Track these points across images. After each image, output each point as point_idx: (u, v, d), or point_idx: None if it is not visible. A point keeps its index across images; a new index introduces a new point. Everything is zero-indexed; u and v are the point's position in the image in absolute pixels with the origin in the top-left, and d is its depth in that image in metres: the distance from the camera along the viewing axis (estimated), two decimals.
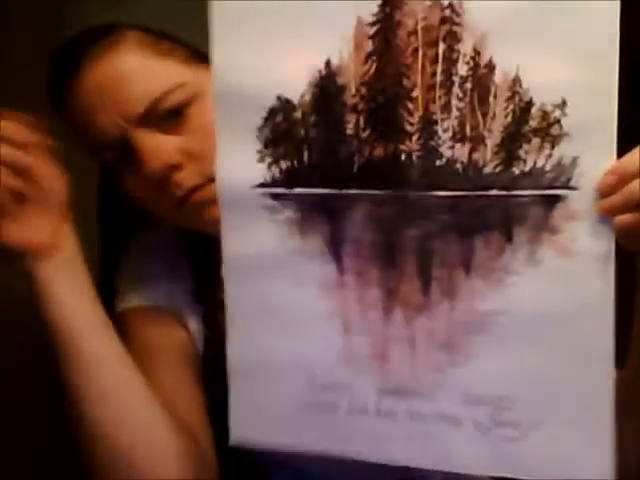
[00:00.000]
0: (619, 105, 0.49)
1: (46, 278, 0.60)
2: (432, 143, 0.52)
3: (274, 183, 0.56)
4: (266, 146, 0.56)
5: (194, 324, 0.72)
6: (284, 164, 0.55)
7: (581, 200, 0.50)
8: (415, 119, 0.52)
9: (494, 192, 0.52)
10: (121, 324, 0.66)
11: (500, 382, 0.53)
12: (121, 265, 0.76)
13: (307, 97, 0.54)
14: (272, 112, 0.55)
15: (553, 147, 0.51)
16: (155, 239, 0.75)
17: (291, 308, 0.57)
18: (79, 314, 0.61)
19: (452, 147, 0.52)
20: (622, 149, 0.50)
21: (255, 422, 0.59)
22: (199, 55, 0.63)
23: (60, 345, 0.61)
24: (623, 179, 0.49)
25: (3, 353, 0.91)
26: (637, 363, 0.57)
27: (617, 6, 0.48)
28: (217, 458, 0.67)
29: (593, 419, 0.51)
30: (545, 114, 0.50)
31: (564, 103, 0.50)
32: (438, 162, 0.52)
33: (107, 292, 0.70)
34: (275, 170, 0.56)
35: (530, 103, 0.50)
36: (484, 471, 0.54)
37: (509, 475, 0.54)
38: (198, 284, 0.61)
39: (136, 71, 0.63)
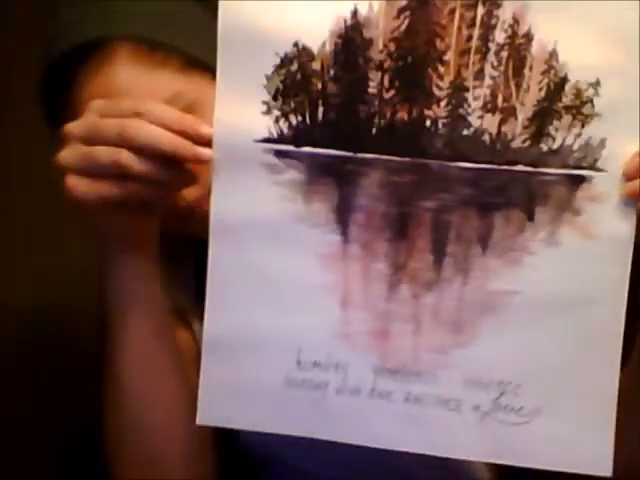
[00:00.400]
0: None
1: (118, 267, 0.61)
2: (461, 111, 0.50)
3: (280, 139, 0.52)
4: (275, 97, 0.52)
5: (197, 324, 0.70)
6: (294, 119, 0.51)
7: (606, 182, 0.51)
8: (445, 84, 0.50)
9: (520, 167, 0.51)
10: None
11: (505, 366, 0.53)
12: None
13: (328, 47, 0.51)
14: (286, 59, 0.51)
15: (583, 126, 0.51)
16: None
17: (284, 278, 0.54)
18: (142, 313, 0.62)
19: (481, 117, 0.50)
20: None
21: (230, 400, 0.56)
22: (195, 62, 0.65)
23: (116, 346, 0.62)
24: None
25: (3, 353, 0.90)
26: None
27: None
28: (217, 456, 0.67)
29: (596, 408, 0.53)
30: (579, 92, 0.50)
31: (598, 83, 0.50)
32: (465, 131, 0.50)
33: None
34: (283, 125, 0.52)
35: (565, 79, 0.50)
36: (481, 457, 0.53)
37: (507, 462, 0.53)
38: (201, 283, 0.55)
39: (132, 84, 0.63)
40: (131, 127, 0.53)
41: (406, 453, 0.56)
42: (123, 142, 0.53)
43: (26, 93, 0.70)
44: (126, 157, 0.53)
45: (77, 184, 0.54)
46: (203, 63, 0.65)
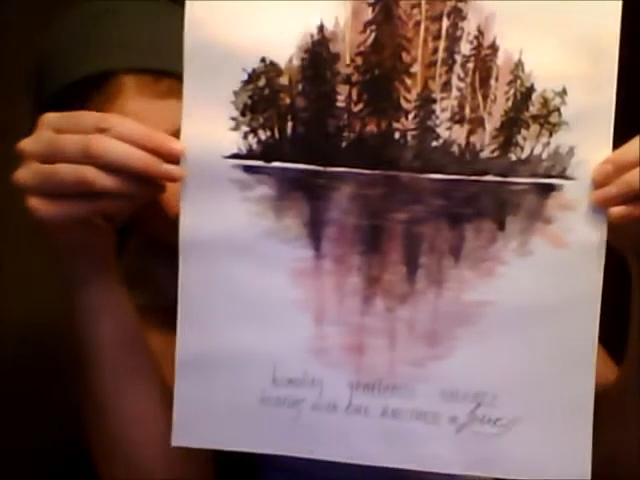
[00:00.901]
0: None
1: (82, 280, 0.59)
2: (429, 122, 0.50)
3: (249, 155, 0.52)
4: (243, 113, 0.51)
5: None
6: (263, 135, 0.51)
7: (576, 190, 0.51)
8: (412, 96, 0.50)
9: (489, 178, 0.50)
10: None
11: (482, 377, 0.53)
12: (121, 263, 0.72)
13: (295, 62, 0.51)
14: (253, 75, 0.51)
15: (551, 135, 0.51)
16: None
17: (257, 294, 0.54)
18: (109, 321, 0.61)
19: (450, 128, 0.51)
20: (618, 140, 0.50)
21: (205, 420, 0.55)
22: None
23: (85, 357, 0.61)
24: (619, 169, 0.52)
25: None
26: (635, 359, 0.60)
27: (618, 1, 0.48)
28: (211, 459, 0.66)
29: (573, 415, 0.53)
30: (545, 101, 0.50)
31: (564, 91, 0.51)
32: (434, 143, 0.50)
33: None
34: (252, 140, 0.52)
35: (531, 89, 0.51)
36: (460, 470, 0.53)
37: (486, 474, 0.53)
38: None
39: (142, 116, 0.60)
40: (97, 144, 0.51)
41: None
42: (88, 159, 0.51)
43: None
44: (92, 174, 0.51)
45: (39, 205, 0.52)
46: None
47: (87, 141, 0.52)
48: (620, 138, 0.52)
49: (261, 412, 0.55)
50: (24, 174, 0.53)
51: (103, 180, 0.52)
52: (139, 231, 0.73)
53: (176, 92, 0.61)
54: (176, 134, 0.60)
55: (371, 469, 0.55)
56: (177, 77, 0.61)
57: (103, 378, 0.61)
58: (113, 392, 0.61)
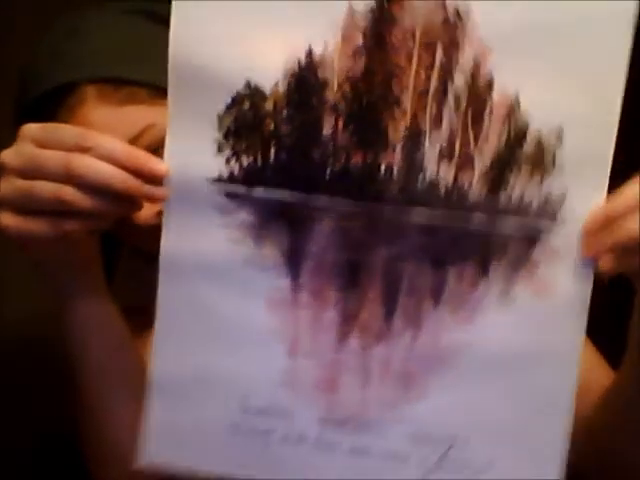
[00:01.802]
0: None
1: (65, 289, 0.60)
2: (416, 157, 0.48)
3: (231, 180, 0.51)
4: (226, 137, 0.50)
5: None
6: (245, 160, 0.50)
7: (564, 237, 0.50)
8: (401, 128, 0.48)
9: (476, 218, 0.48)
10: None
11: (454, 421, 0.52)
12: (116, 265, 0.75)
13: (281, 87, 0.49)
14: (238, 99, 0.50)
15: (543, 178, 0.49)
16: None
17: (232, 322, 0.53)
18: (97, 329, 0.61)
19: (437, 164, 0.48)
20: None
21: (174, 442, 0.55)
22: (165, 91, 0.62)
23: (76, 362, 0.62)
24: (609, 220, 0.49)
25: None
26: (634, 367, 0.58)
27: (629, 40, 0.45)
28: None
29: (546, 465, 0.50)
30: (540, 142, 0.48)
31: (561, 132, 0.48)
32: (420, 179, 0.48)
33: None
34: (234, 165, 0.50)
35: (526, 128, 0.48)
36: None
37: None
38: None
39: (103, 123, 0.62)
40: (79, 164, 0.51)
41: None
42: (69, 179, 0.51)
43: None
44: (70, 193, 0.51)
45: (13, 222, 0.52)
46: None
47: (69, 160, 0.51)
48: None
49: (230, 438, 0.54)
50: (3, 188, 0.52)
51: (82, 200, 0.51)
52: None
53: (137, 98, 0.64)
54: (137, 138, 0.62)
55: None
56: (137, 84, 0.64)
57: (93, 385, 0.62)
58: (103, 398, 0.62)
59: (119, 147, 0.52)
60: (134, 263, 0.76)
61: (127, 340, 0.63)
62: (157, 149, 0.62)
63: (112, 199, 0.52)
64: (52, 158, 0.51)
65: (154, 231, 0.55)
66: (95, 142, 0.51)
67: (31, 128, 0.53)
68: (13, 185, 0.52)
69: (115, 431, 0.62)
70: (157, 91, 0.64)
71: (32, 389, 0.91)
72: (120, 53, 0.65)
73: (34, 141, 0.52)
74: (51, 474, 0.93)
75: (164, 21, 0.67)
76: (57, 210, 0.52)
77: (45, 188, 0.51)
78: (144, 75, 0.64)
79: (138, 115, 0.63)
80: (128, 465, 0.60)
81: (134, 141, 0.62)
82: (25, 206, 0.52)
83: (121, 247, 0.77)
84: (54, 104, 0.64)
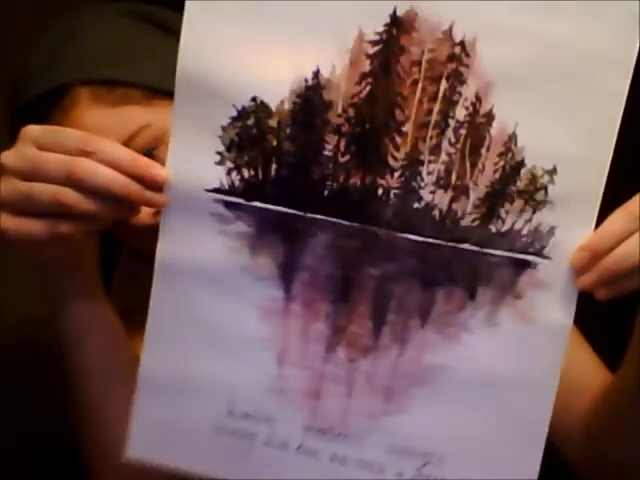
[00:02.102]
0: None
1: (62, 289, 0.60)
2: (414, 183, 0.50)
3: (231, 191, 0.52)
4: (229, 149, 0.51)
5: None
6: (246, 173, 0.51)
7: (550, 270, 0.51)
8: (400, 155, 0.50)
9: (466, 246, 0.50)
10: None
11: (432, 438, 0.54)
12: (115, 266, 0.76)
13: (287, 105, 0.50)
14: (243, 113, 0.51)
15: (534, 212, 0.51)
16: None
17: (224, 327, 0.54)
18: (91, 328, 0.62)
19: (433, 192, 0.50)
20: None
21: (159, 438, 0.56)
22: (159, 91, 0.64)
23: (69, 362, 0.63)
24: (596, 256, 0.51)
25: None
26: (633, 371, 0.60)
27: (627, 86, 0.47)
28: None
29: None
30: (534, 177, 0.50)
31: (555, 170, 0.50)
32: (416, 204, 0.50)
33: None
34: (235, 177, 0.51)
35: (521, 163, 0.50)
36: None
37: None
38: None
39: (97, 124, 0.63)
40: (81, 168, 0.51)
41: None
42: (70, 183, 0.51)
43: None
44: (71, 197, 0.51)
45: (12, 224, 0.52)
46: (168, 91, 0.64)
47: (71, 164, 0.51)
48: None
49: (214, 440, 0.56)
50: (3, 189, 0.53)
51: (82, 204, 0.52)
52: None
53: (131, 99, 0.64)
54: (131, 139, 0.62)
55: None
56: (130, 85, 0.64)
57: (87, 384, 0.63)
58: (97, 397, 0.63)
59: (121, 152, 0.52)
60: (132, 264, 0.76)
61: (122, 340, 0.64)
62: (151, 150, 0.63)
63: (112, 203, 0.52)
64: (54, 161, 0.52)
65: (151, 231, 0.56)
66: (97, 147, 0.52)
67: (32, 130, 0.53)
68: (13, 187, 0.52)
69: (110, 430, 0.63)
70: (151, 92, 0.65)
71: (32, 389, 0.91)
72: (114, 54, 0.65)
73: (35, 143, 0.52)
74: (51, 474, 0.93)
75: (157, 23, 0.68)
76: (56, 212, 0.52)
77: (45, 190, 0.52)
78: (138, 76, 0.64)
79: (132, 116, 0.64)
80: (122, 464, 0.61)
81: (129, 142, 0.62)
82: (24, 208, 0.52)
83: (119, 248, 0.78)
84: (48, 106, 0.64)
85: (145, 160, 0.53)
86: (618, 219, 0.51)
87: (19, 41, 0.76)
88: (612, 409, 0.63)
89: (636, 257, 0.50)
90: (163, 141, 0.61)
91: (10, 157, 0.53)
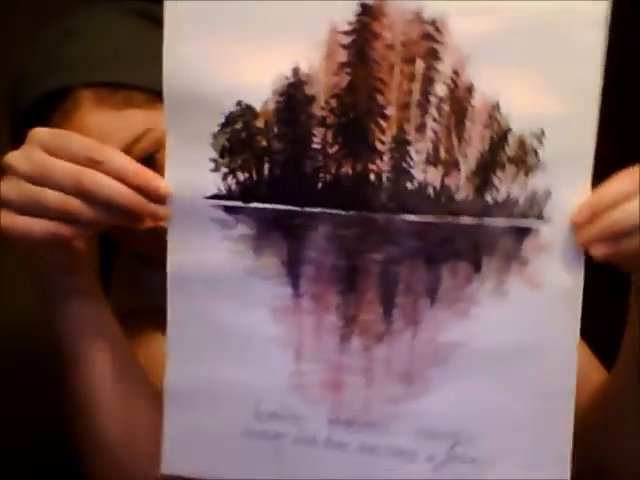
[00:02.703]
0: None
1: (61, 290, 0.61)
2: (404, 165, 0.51)
3: (229, 195, 0.53)
4: (222, 155, 0.53)
5: None
6: (241, 176, 0.53)
7: (552, 232, 0.51)
8: (387, 138, 0.51)
9: (465, 220, 0.51)
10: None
11: (458, 417, 0.53)
12: (115, 268, 0.77)
13: (271, 105, 0.51)
14: (230, 118, 0.52)
15: (527, 177, 0.51)
16: None
17: (239, 331, 0.55)
18: (89, 329, 0.62)
19: (424, 170, 0.51)
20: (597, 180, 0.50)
21: (191, 450, 0.57)
22: (161, 95, 0.63)
23: (67, 361, 0.62)
24: (597, 212, 0.51)
25: None
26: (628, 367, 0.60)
27: (602, 40, 0.48)
28: None
29: (552, 457, 0.53)
30: (522, 143, 0.50)
31: (542, 133, 0.50)
32: (409, 185, 0.51)
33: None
34: (231, 181, 0.53)
35: (508, 130, 0.51)
36: None
37: None
38: None
39: (100, 128, 0.63)
40: (89, 179, 0.52)
41: None
42: (79, 192, 0.52)
43: None
44: (77, 206, 0.53)
45: (14, 223, 0.53)
46: None
47: (80, 175, 0.53)
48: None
49: (244, 445, 0.57)
50: (8, 189, 0.54)
51: (88, 213, 0.53)
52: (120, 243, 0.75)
53: (134, 102, 0.64)
54: (134, 143, 0.63)
55: None
56: (135, 88, 0.64)
57: (84, 384, 0.62)
58: (94, 397, 0.62)
59: (128, 164, 0.54)
60: (130, 266, 0.77)
61: (120, 340, 0.64)
62: (154, 153, 0.63)
63: (115, 213, 0.54)
64: (62, 170, 0.53)
65: (151, 234, 0.58)
66: (105, 157, 0.53)
67: (41, 133, 0.54)
68: (19, 188, 0.53)
69: (106, 429, 0.63)
70: (154, 95, 0.63)
71: (32, 389, 0.92)
72: (116, 56, 0.65)
73: (43, 147, 0.54)
74: (51, 474, 0.94)
75: (160, 21, 0.67)
76: (60, 217, 0.53)
77: (52, 197, 0.53)
78: (141, 79, 0.64)
79: (135, 119, 0.64)
80: (119, 463, 0.63)
81: (132, 146, 0.63)
82: (28, 209, 0.53)
83: (118, 249, 0.79)
84: (49, 108, 0.64)
85: (148, 172, 0.54)
86: (624, 179, 0.51)
87: (19, 40, 0.75)
88: (607, 407, 0.62)
89: (636, 220, 0.49)
90: (165, 145, 0.61)
91: (18, 159, 0.54)
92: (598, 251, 0.51)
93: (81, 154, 0.53)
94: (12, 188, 0.54)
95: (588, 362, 0.68)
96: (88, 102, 0.64)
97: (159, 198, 0.54)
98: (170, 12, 0.52)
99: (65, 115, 0.64)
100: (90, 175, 0.53)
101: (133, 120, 0.64)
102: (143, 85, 0.65)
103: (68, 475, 0.71)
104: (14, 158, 0.54)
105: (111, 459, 0.63)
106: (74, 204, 0.53)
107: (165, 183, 0.54)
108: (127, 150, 0.61)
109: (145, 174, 0.54)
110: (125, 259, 0.79)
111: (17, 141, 0.69)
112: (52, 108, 0.65)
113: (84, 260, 0.61)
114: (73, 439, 0.66)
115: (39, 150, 0.54)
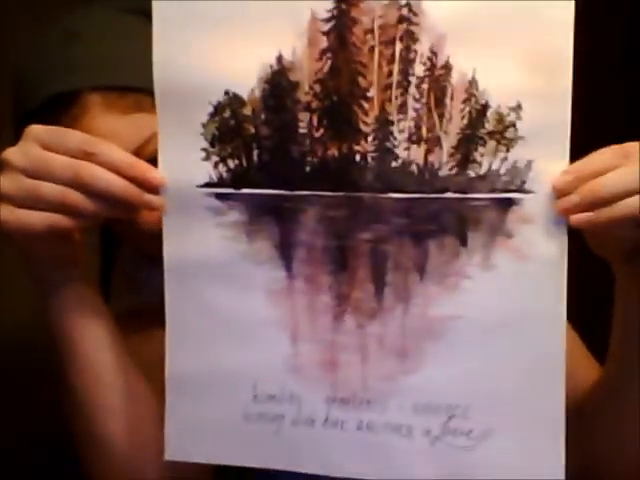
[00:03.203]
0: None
1: (56, 286, 0.62)
2: (388, 144, 0.52)
3: (220, 183, 0.55)
4: (212, 144, 0.55)
5: None
6: (231, 163, 0.54)
7: (535, 203, 0.52)
8: (370, 119, 0.52)
9: (449, 195, 0.52)
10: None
11: (452, 390, 0.54)
12: (116, 267, 0.78)
13: (257, 93, 0.53)
14: (219, 108, 0.54)
15: (508, 150, 0.52)
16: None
17: (236, 315, 0.56)
18: (86, 326, 0.63)
19: (408, 148, 0.52)
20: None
21: (194, 436, 0.58)
22: None
23: (65, 358, 0.63)
24: (580, 179, 0.52)
25: None
26: (620, 354, 0.61)
27: (572, 13, 0.49)
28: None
29: (545, 423, 0.54)
30: (501, 117, 0.51)
31: (519, 107, 0.52)
32: (393, 164, 0.52)
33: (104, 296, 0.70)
34: (222, 169, 0.55)
35: (486, 106, 0.52)
36: None
37: None
38: None
39: (109, 131, 0.64)
40: (86, 171, 0.54)
41: None
42: (77, 185, 0.54)
43: None
44: (75, 198, 0.54)
45: (13, 216, 0.55)
46: None
47: (77, 167, 0.54)
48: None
49: (244, 428, 0.58)
50: (7, 184, 0.55)
51: (85, 204, 0.55)
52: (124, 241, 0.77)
53: (142, 106, 0.64)
54: (143, 145, 0.63)
55: None
56: (143, 91, 0.64)
57: (79, 378, 0.63)
58: (89, 388, 0.63)
59: (122, 156, 0.56)
60: (131, 266, 0.79)
61: (115, 332, 0.64)
62: None
63: (111, 203, 0.56)
64: (62, 163, 0.55)
65: (157, 235, 0.60)
66: (99, 149, 0.55)
67: (36, 129, 0.56)
68: (18, 182, 0.55)
69: (103, 423, 0.63)
70: None
71: (32, 390, 0.92)
72: (122, 59, 0.65)
73: (39, 142, 0.55)
74: (51, 474, 0.94)
75: None
76: (57, 209, 0.55)
77: (51, 190, 0.54)
78: (149, 82, 0.62)
79: (144, 123, 0.64)
80: (118, 458, 0.63)
81: (140, 149, 0.63)
82: (27, 203, 0.55)
83: (119, 250, 0.80)
84: (56, 112, 0.65)
85: (142, 164, 0.56)
86: (607, 152, 0.53)
87: (19, 41, 0.75)
88: (603, 399, 0.63)
89: (619, 187, 0.51)
90: None
91: (15, 154, 0.55)
92: (579, 220, 0.52)
93: (77, 148, 0.55)
94: (11, 183, 0.55)
95: (577, 348, 0.68)
96: (97, 106, 0.65)
97: (153, 188, 0.56)
98: (157, 8, 0.55)
99: (74, 119, 0.65)
100: (88, 168, 0.55)
101: (142, 123, 0.64)
102: (151, 88, 0.63)
103: (68, 475, 0.72)
104: (11, 154, 0.56)
105: (110, 454, 0.64)
106: (73, 196, 0.55)
107: (159, 174, 0.56)
108: (136, 153, 0.62)
109: (140, 166, 0.56)
110: (126, 259, 0.80)
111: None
112: (59, 111, 0.65)
113: (79, 253, 0.62)
114: (73, 438, 0.66)
115: (36, 145, 0.56)
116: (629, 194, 0.51)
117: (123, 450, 0.63)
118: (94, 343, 0.63)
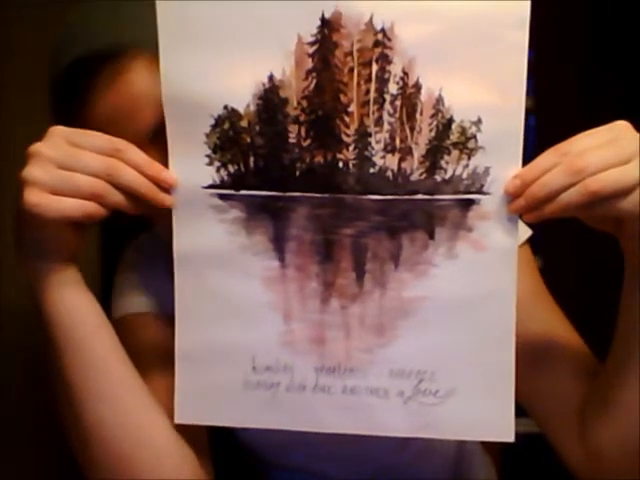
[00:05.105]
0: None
1: (56, 277, 0.64)
2: (366, 153, 0.60)
3: (222, 185, 0.63)
4: (214, 151, 0.62)
5: None
6: (231, 168, 0.62)
7: (492, 203, 0.60)
8: (351, 131, 0.60)
9: (419, 196, 0.61)
10: (117, 332, 0.69)
11: (422, 358, 0.63)
12: (118, 271, 0.82)
13: (252, 108, 0.61)
14: (219, 120, 0.61)
15: (469, 158, 0.60)
16: (149, 243, 0.83)
17: (237, 299, 0.65)
18: (83, 314, 0.66)
19: (384, 157, 0.60)
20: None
21: (200, 401, 0.68)
22: None
23: (61, 345, 0.65)
24: (526, 183, 0.60)
25: None
26: (625, 335, 0.66)
27: (526, 39, 0.57)
28: (213, 458, 0.75)
29: (497, 387, 0.63)
30: (463, 130, 0.59)
31: (479, 121, 0.59)
32: (371, 170, 0.60)
33: (105, 299, 0.75)
34: (223, 173, 0.62)
35: (451, 120, 0.59)
36: (407, 434, 0.65)
37: (429, 436, 0.64)
38: None
39: (147, 94, 0.66)
40: (118, 166, 0.60)
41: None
42: (108, 177, 0.60)
43: (27, 93, 0.72)
44: (106, 189, 0.60)
45: (44, 200, 0.58)
46: None
47: (109, 161, 0.60)
48: None
49: (245, 394, 0.66)
50: (38, 171, 0.58)
51: (114, 196, 0.61)
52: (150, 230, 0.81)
53: None
54: None
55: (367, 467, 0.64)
56: None
57: (72, 369, 0.65)
58: (83, 383, 0.65)
59: (142, 157, 0.62)
60: (132, 269, 0.80)
61: (110, 331, 0.67)
62: None
63: (131, 198, 0.63)
64: (92, 157, 0.60)
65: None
66: (124, 149, 0.61)
67: (60, 129, 0.60)
68: (51, 171, 0.58)
69: (94, 409, 0.65)
70: None
71: (32, 389, 0.94)
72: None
73: (65, 139, 0.60)
74: (51, 473, 0.96)
75: None
76: (86, 198, 0.60)
77: (85, 181, 0.59)
78: None
79: None
80: (111, 449, 0.65)
81: None
82: (61, 191, 0.59)
83: (120, 252, 0.85)
84: (97, 65, 0.66)
85: (158, 165, 0.63)
86: (547, 155, 0.60)
87: (19, 41, 0.79)
88: (606, 386, 0.67)
89: (554, 185, 0.58)
90: None
91: (45, 147, 0.59)
92: (530, 217, 0.61)
93: (106, 147, 0.61)
94: (42, 170, 0.59)
95: (555, 322, 0.74)
96: (142, 64, 0.66)
97: (167, 187, 0.64)
98: (163, 32, 0.61)
99: (117, 72, 0.65)
100: (117, 162, 0.61)
101: None
102: None
103: (68, 475, 0.74)
104: (41, 147, 0.59)
105: (105, 446, 0.65)
106: (103, 187, 0.61)
107: (172, 174, 0.64)
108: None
109: (157, 166, 0.63)
110: (126, 260, 0.84)
111: (55, 96, 0.70)
112: (104, 64, 0.65)
113: (75, 248, 0.66)
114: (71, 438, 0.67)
115: (63, 141, 0.60)
116: (564, 189, 0.58)
117: (117, 439, 0.65)
118: (90, 336, 0.65)
